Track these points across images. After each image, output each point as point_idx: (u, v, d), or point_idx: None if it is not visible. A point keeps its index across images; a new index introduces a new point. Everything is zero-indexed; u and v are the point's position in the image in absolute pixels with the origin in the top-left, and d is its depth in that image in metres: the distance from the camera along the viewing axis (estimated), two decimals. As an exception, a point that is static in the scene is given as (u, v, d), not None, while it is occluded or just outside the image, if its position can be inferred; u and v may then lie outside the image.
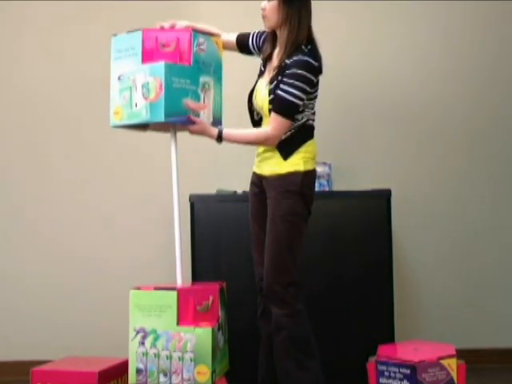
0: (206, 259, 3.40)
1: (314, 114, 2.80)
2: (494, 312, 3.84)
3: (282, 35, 2.76)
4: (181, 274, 2.73)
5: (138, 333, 2.60)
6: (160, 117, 2.61)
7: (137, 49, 2.69)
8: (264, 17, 2.78)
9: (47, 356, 3.47)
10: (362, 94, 3.86)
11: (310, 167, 2.76)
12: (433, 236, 3.85)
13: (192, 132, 2.74)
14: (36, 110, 3.91)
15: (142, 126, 2.83)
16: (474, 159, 3.88)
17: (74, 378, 2.85)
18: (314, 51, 2.72)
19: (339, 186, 3.66)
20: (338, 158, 3.75)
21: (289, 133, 2.73)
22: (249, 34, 3.00)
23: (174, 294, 2.60)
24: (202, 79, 2.74)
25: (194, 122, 2.69)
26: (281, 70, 2.70)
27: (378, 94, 3.86)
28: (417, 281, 3.85)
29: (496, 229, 3.86)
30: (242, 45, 3.01)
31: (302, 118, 2.74)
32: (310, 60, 2.67)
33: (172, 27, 2.80)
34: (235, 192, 3.54)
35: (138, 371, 2.60)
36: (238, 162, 3.47)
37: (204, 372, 2.54)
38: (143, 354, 2.59)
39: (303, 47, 2.69)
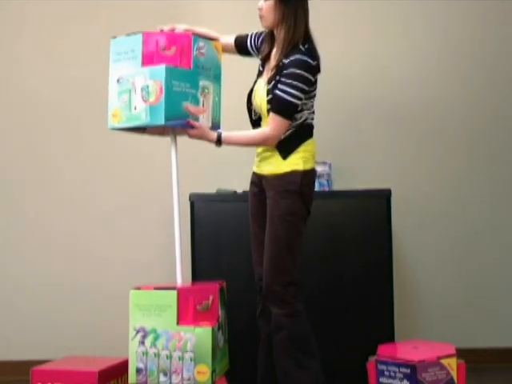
0: (205, 259, 3.40)
1: (313, 113, 2.80)
2: (494, 312, 3.84)
3: (279, 35, 2.76)
4: (181, 274, 2.73)
5: (137, 332, 2.60)
6: (160, 120, 2.61)
7: (137, 51, 2.67)
8: (261, 17, 2.79)
9: (47, 356, 3.47)
10: (362, 94, 3.86)
11: (309, 167, 2.76)
12: (433, 236, 3.85)
13: (191, 136, 2.74)
14: (36, 110, 3.91)
15: (140, 129, 2.82)
16: (474, 159, 3.88)
17: (73, 378, 2.85)
18: (312, 50, 2.72)
19: (339, 185, 3.66)
20: (337, 157, 3.75)
21: (288, 132, 2.73)
22: (247, 35, 3.00)
23: (174, 293, 2.60)
24: (202, 83, 2.74)
25: (193, 127, 2.70)
26: (279, 69, 2.70)
27: (378, 93, 3.86)
28: (417, 281, 3.85)
29: (496, 229, 3.86)
30: (241, 46, 3.01)
31: (301, 118, 2.75)
32: (308, 59, 2.67)
33: (172, 31, 2.80)
34: (235, 192, 3.53)
35: (138, 371, 2.60)
36: (238, 161, 3.47)
37: (204, 371, 2.55)
38: (143, 354, 2.59)
39: (301, 46, 2.69)
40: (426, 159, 3.88)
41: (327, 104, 3.66)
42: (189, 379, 2.55)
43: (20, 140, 3.91)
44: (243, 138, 2.79)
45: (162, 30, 2.78)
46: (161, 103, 2.59)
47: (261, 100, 2.78)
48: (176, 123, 2.67)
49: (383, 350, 3.03)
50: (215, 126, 2.81)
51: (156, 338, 2.58)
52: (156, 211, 3.83)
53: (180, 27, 2.82)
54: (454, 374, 2.90)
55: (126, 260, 3.86)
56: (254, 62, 2.96)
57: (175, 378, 2.57)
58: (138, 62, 2.67)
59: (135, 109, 2.65)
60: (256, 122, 2.89)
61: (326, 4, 3.74)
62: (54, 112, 3.90)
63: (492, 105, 3.87)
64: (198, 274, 3.37)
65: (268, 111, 2.73)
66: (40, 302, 3.86)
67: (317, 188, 3.40)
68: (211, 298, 2.66)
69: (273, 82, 2.71)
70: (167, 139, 2.84)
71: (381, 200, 3.39)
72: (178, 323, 2.58)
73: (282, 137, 2.73)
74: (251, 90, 2.88)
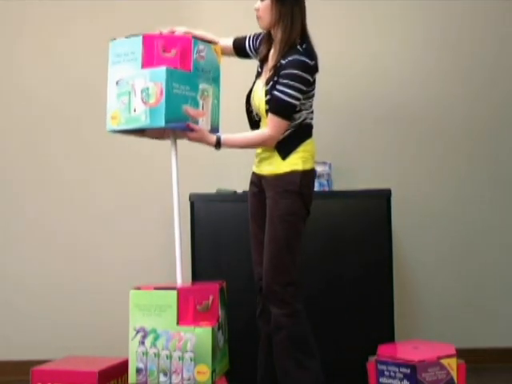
0: (205, 259, 3.40)
1: (311, 112, 2.80)
2: (494, 312, 3.84)
3: (276, 35, 2.77)
4: (181, 274, 2.73)
5: (137, 332, 2.60)
6: (160, 122, 2.60)
7: (137, 54, 2.66)
8: (258, 17, 2.79)
9: (47, 356, 3.47)
10: (362, 94, 3.86)
11: (308, 167, 2.76)
12: (433, 236, 3.85)
13: (191, 139, 2.74)
14: (36, 110, 3.91)
15: (139, 132, 2.81)
16: (474, 159, 3.88)
17: (73, 378, 2.85)
18: (309, 50, 2.71)
19: (339, 185, 3.66)
20: (337, 157, 3.75)
21: (286, 132, 2.73)
22: (245, 37, 3.00)
23: (174, 293, 2.60)
24: (202, 86, 2.73)
25: (193, 130, 2.70)
26: (277, 70, 2.70)
27: (377, 93, 3.86)
28: (417, 281, 3.85)
29: (496, 229, 3.86)
30: (239, 48, 3.01)
31: (300, 118, 2.75)
32: (306, 59, 2.67)
33: (171, 33, 2.80)
34: (235, 192, 3.53)
35: (138, 371, 2.60)
36: (238, 161, 3.47)
37: (204, 371, 2.55)
38: (143, 354, 2.59)
39: (298, 47, 2.69)
40: (426, 159, 3.88)
41: (327, 104, 3.67)
42: (189, 379, 2.55)
43: (20, 140, 3.91)
44: (242, 140, 2.79)
45: (161, 33, 2.78)
46: (161, 105, 2.58)
47: (259, 101, 2.78)
48: (176, 125, 2.66)
49: (383, 350, 3.03)
50: (214, 129, 2.80)
51: (156, 338, 2.58)
52: (156, 211, 3.84)
53: (179, 30, 2.82)
54: (453, 374, 2.90)
55: (125, 260, 3.86)
56: (253, 64, 2.96)
57: (175, 378, 2.57)
58: (138, 64, 2.66)
59: (135, 111, 2.64)
60: (255, 123, 2.89)
61: (325, 4, 3.75)
62: (54, 112, 3.90)
63: (492, 105, 3.87)
64: (198, 273, 3.37)
65: (267, 112, 2.73)
66: (40, 301, 3.86)
67: (317, 188, 3.41)
68: (211, 298, 2.66)
69: (271, 83, 2.71)
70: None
71: (381, 200, 3.39)
72: (177, 323, 2.58)
73: (281, 137, 2.73)
74: (250, 91, 2.88)
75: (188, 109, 2.67)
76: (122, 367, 2.88)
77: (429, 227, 3.85)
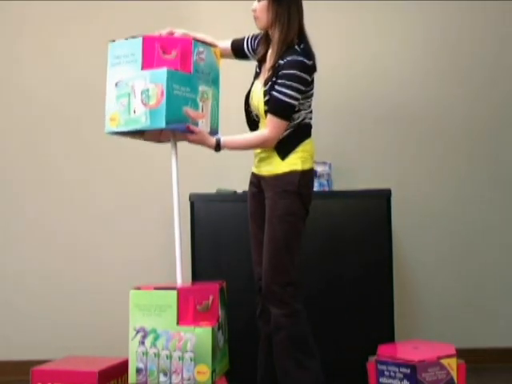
0: (205, 259, 3.40)
1: (310, 112, 2.80)
2: (494, 312, 3.84)
3: (273, 35, 2.77)
4: (181, 274, 2.73)
5: (137, 332, 2.60)
6: (160, 123, 2.59)
7: (137, 55, 2.66)
8: (255, 18, 2.79)
9: (47, 356, 3.47)
10: (362, 94, 3.86)
11: (307, 166, 2.76)
12: (433, 236, 3.85)
13: (191, 141, 2.74)
14: (36, 109, 3.91)
15: (137, 134, 2.80)
16: (474, 159, 3.88)
17: (73, 378, 2.84)
18: (307, 50, 2.71)
19: (339, 185, 3.66)
20: (337, 157, 3.75)
21: (285, 132, 2.73)
22: (243, 38, 3.01)
23: (174, 293, 2.60)
24: (201, 88, 2.73)
25: (192, 132, 2.70)
26: (275, 70, 2.70)
27: (377, 94, 3.86)
28: (417, 281, 3.85)
29: (496, 229, 3.86)
30: (238, 50, 3.01)
31: (299, 118, 2.75)
32: (303, 59, 2.67)
33: (170, 34, 2.80)
34: (235, 192, 3.53)
35: (138, 371, 2.60)
36: (238, 161, 3.47)
37: (204, 371, 2.54)
38: (143, 354, 2.59)
39: (296, 47, 2.69)
40: (426, 159, 3.88)
41: (327, 104, 3.67)
42: (189, 379, 2.55)
43: (20, 140, 3.91)
44: (242, 141, 2.79)
45: (160, 35, 2.78)
46: (161, 106, 2.57)
47: (258, 101, 2.78)
48: (176, 127, 2.66)
49: (383, 350, 3.03)
50: (213, 131, 2.80)
51: (156, 338, 2.58)
52: (156, 211, 3.84)
53: (178, 31, 2.82)
54: (454, 374, 2.90)
55: (126, 260, 3.86)
56: (252, 65, 2.95)
57: (175, 378, 2.57)
58: (138, 65, 2.65)
59: (134, 112, 2.63)
60: (254, 124, 2.89)
61: (325, 4, 3.74)
62: (54, 112, 3.90)
63: (492, 105, 3.88)
64: (198, 273, 3.37)
65: (265, 112, 2.73)
66: (40, 302, 3.86)
67: (317, 188, 3.41)
68: (211, 298, 2.66)
69: (269, 83, 2.71)
70: (167, 138, 2.84)
71: (381, 200, 3.39)
72: (178, 323, 2.58)
73: (280, 137, 2.73)
74: (248, 92, 2.88)
75: (188, 110, 2.67)
76: (122, 367, 2.88)
77: (429, 227, 3.85)
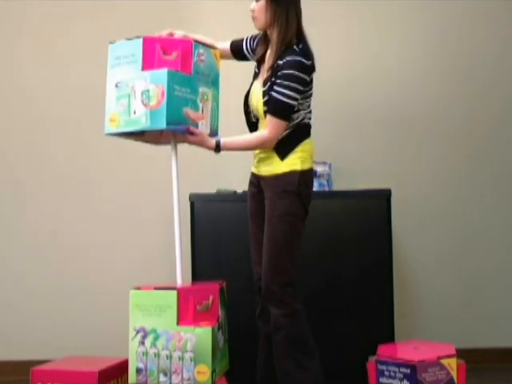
0: (205, 259, 3.40)
1: (310, 112, 2.80)
2: (494, 312, 3.84)
3: (272, 35, 2.77)
4: (181, 274, 2.73)
5: (137, 332, 2.60)
6: (161, 124, 2.58)
7: (137, 56, 2.65)
8: (254, 18, 2.79)
9: (47, 356, 3.47)
10: (362, 95, 3.86)
11: (307, 166, 2.76)
12: (433, 236, 3.85)
13: (191, 143, 2.74)
14: (36, 110, 3.91)
15: (137, 135, 2.80)
16: (474, 159, 3.88)
17: (74, 378, 2.84)
18: (306, 50, 2.71)
19: (339, 185, 3.66)
20: (337, 157, 3.75)
21: (285, 133, 2.73)
22: (242, 39, 3.01)
23: (174, 293, 2.60)
24: (202, 90, 2.73)
25: (193, 133, 2.69)
26: (274, 71, 2.70)
27: (377, 94, 3.86)
28: (417, 281, 3.85)
29: (496, 229, 3.86)
30: (237, 51, 3.01)
31: (298, 118, 2.75)
32: (302, 59, 2.66)
33: (170, 35, 2.80)
34: (235, 192, 3.54)
35: (138, 371, 2.60)
36: (238, 161, 3.47)
37: (204, 371, 2.55)
38: (143, 354, 2.59)
39: (295, 47, 2.69)
40: (426, 159, 3.88)
41: (327, 104, 3.67)
42: (189, 379, 2.55)
43: (20, 140, 3.91)
44: (241, 142, 2.79)
45: (160, 36, 2.78)
46: (162, 107, 2.57)
47: (257, 102, 2.78)
48: (176, 128, 2.66)
49: (383, 350, 3.03)
50: (213, 132, 2.80)
51: (156, 338, 2.58)
52: (156, 211, 3.84)
53: (178, 33, 2.82)
54: (454, 374, 2.90)
55: (126, 260, 3.86)
56: (252, 66, 2.96)
57: (175, 378, 2.57)
58: (138, 66, 2.65)
59: (134, 113, 2.63)
60: (253, 124, 2.89)
61: (325, 4, 3.74)
62: (54, 112, 3.90)
63: (492, 105, 3.88)
64: (198, 274, 3.37)
65: (265, 113, 2.73)
66: (40, 302, 3.86)
67: (317, 188, 3.41)
68: (211, 297, 2.66)
69: (268, 84, 2.71)
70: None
71: (381, 200, 3.39)
72: (178, 323, 2.58)
73: (280, 137, 2.73)
74: (248, 93, 2.88)
75: (188, 111, 2.67)
76: (122, 367, 2.88)
77: (429, 227, 3.85)
